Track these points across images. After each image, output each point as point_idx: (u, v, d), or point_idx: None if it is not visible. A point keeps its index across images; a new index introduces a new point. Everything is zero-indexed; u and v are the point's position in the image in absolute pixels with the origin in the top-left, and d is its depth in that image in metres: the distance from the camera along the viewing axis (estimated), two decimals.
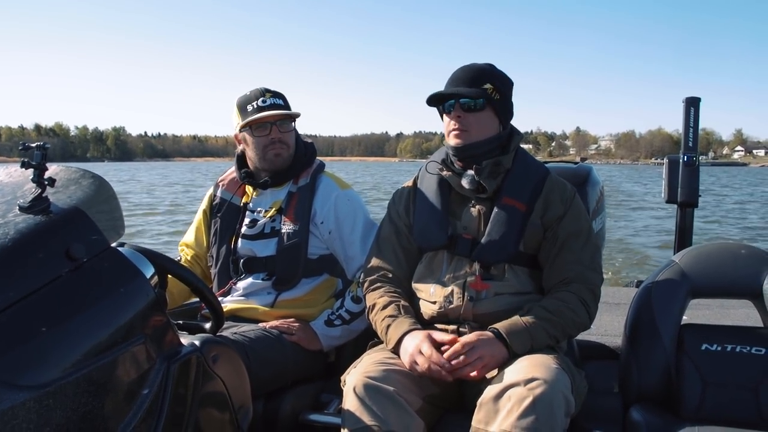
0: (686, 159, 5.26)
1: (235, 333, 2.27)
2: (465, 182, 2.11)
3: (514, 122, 2.21)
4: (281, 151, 2.46)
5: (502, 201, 2.09)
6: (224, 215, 2.58)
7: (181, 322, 1.85)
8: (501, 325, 1.92)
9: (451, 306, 2.04)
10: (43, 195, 1.34)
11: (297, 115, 2.50)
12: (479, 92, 2.07)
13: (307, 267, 2.48)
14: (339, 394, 1.97)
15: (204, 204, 2.70)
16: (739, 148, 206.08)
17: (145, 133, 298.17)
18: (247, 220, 2.54)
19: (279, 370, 2.28)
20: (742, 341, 2.13)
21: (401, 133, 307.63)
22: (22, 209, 1.32)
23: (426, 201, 2.20)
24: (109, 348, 1.28)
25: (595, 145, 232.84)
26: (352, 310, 2.43)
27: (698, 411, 2.08)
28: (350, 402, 1.79)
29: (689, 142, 5.30)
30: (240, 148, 2.58)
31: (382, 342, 2.09)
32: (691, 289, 2.25)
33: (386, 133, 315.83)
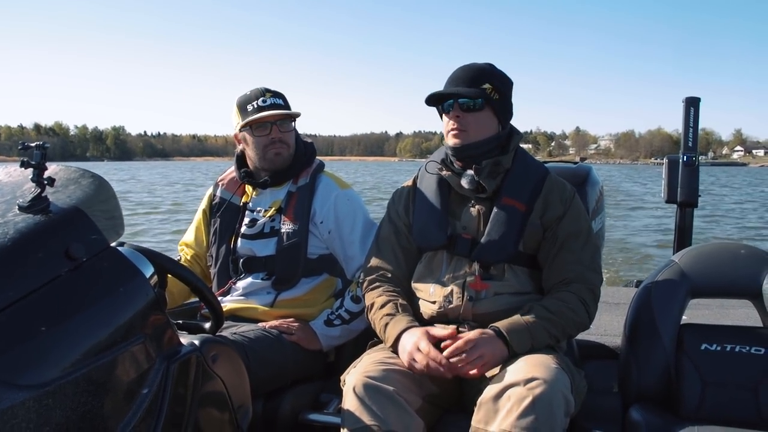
0: (686, 159, 5.27)
1: (235, 333, 2.27)
2: (464, 182, 2.11)
3: (513, 122, 2.21)
4: (281, 151, 2.46)
5: (502, 201, 2.09)
6: (224, 215, 2.58)
7: (180, 321, 1.85)
8: (502, 324, 1.91)
9: (451, 306, 2.04)
10: (43, 194, 1.34)
11: (297, 115, 2.50)
12: (478, 92, 2.07)
13: (307, 267, 2.47)
14: (339, 393, 1.97)
15: (204, 203, 2.70)
16: (738, 148, 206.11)
17: (145, 132, 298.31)
18: (246, 220, 2.54)
19: (278, 369, 2.28)
20: (742, 341, 2.13)
21: (401, 133, 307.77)
22: (21, 209, 1.32)
23: (425, 201, 2.20)
24: (108, 347, 1.28)
25: (595, 145, 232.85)
26: (352, 310, 2.42)
27: (698, 411, 2.08)
28: (350, 402, 1.79)
29: (689, 142, 5.30)
30: (240, 147, 2.58)
31: (381, 342, 2.09)
32: (691, 289, 2.25)
33: (386, 132, 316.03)
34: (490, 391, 1.75)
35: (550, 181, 2.15)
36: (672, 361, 2.16)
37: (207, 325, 1.85)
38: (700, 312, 3.83)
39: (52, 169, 1.46)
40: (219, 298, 2.27)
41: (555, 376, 1.73)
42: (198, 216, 2.71)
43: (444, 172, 2.16)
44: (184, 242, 2.72)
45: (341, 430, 1.80)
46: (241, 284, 2.48)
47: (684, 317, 2.25)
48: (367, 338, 2.23)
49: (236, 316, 2.45)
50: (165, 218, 18.79)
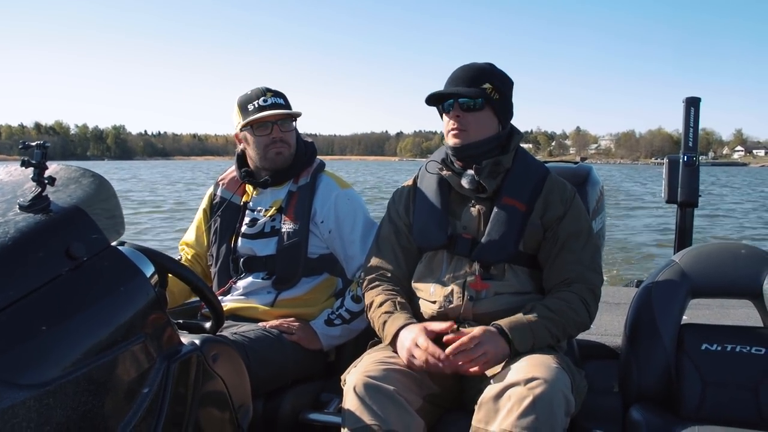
0: (686, 159, 5.27)
1: (235, 332, 2.27)
2: (465, 182, 2.11)
3: (514, 121, 2.21)
4: (282, 150, 2.46)
5: (502, 201, 2.09)
6: (224, 214, 2.58)
7: (181, 321, 1.85)
8: (504, 322, 1.91)
9: (451, 305, 2.04)
10: (43, 194, 1.34)
11: (298, 115, 2.50)
12: (478, 92, 2.07)
13: (307, 266, 2.48)
14: (339, 393, 1.97)
15: (204, 203, 2.70)
16: (739, 148, 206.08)
17: (145, 131, 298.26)
18: (247, 219, 2.54)
19: (279, 369, 2.28)
20: (742, 341, 2.13)
21: (401, 132, 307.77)
22: (22, 208, 1.32)
23: (426, 200, 2.19)
24: (109, 347, 1.28)
25: (595, 145, 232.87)
26: (352, 310, 2.43)
27: (698, 411, 2.08)
28: (350, 401, 1.79)
29: (689, 142, 5.30)
30: (240, 147, 2.58)
31: (382, 341, 2.09)
32: (691, 289, 2.25)
33: (386, 132, 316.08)
34: (490, 390, 1.75)
35: (551, 181, 2.15)
36: (672, 361, 2.16)
37: (207, 325, 1.85)
38: (700, 312, 3.83)
39: (53, 168, 1.46)
40: (219, 298, 2.27)
41: (555, 375, 1.73)
42: (198, 215, 2.71)
43: (444, 172, 2.16)
44: (185, 242, 2.72)
45: (342, 429, 1.80)
46: (242, 284, 2.48)
47: (684, 317, 2.25)
48: (368, 338, 2.23)
49: (237, 316, 2.45)
50: (167, 217, 18.83)
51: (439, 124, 2.20)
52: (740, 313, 3.86)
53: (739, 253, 2.28)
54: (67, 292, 1.26)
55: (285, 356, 2.30)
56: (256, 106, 2.43)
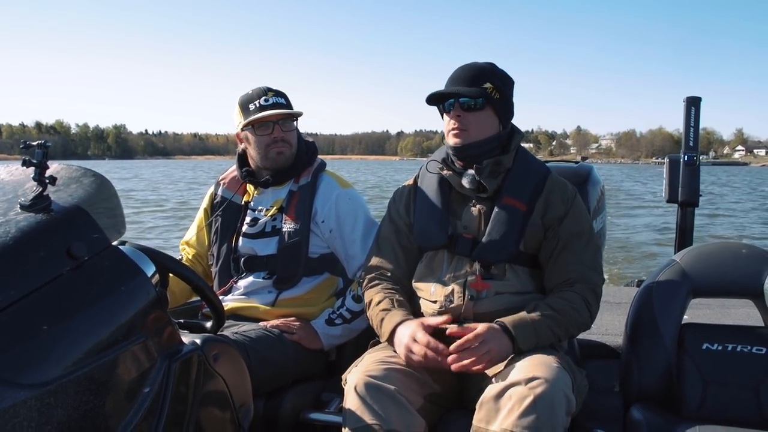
0: (687, 158, 5.27)
1: (236, 332, 2.27)
2: (465, 182, 2.10)
3: (514, 121, 2.20)
4: (283, 150, 2.46)
5: (503, 200, 2.09)
6: (225, 214, 2.58)
7: (182, 320, 1.85)
8: (508, 320, 1.91)
9: (452, 305, 2.03)
10: (44, 193, 1.34)
11: (299, 114, 2.50)
12: (479, 92, 2.06)
13: (308, 266, 2.47)
14: (340, 393, 1.97)
15: (205, 202, 2.70)
16: (739, 147, 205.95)
17: (146, 131, 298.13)
18: (248, 219, 2.54)
19: (280, 369, 2.28)
20: (743, 341, 2.13)
21: (402, 132, 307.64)
22: (23, 207, 1.32)
23: (426, 200, 2.19)
24: (110, 346, 1.28)
25: (596, 145, 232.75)
26: (353, 309, 2.43)
27: (699, 410, 2.08)
28: (351, 401, 1.79)
29: (690, 141, 5.30)
30: (241, 146, 2.58)
31: (386, 342, 2.08)
32: (692, 289, 2.25)
33: (387, 131, 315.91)
34: (491, 390, 1.75)
35: (552, 180, 2.15)
36: (673, 361, 2.16)
37: (208, 325, 1.85)
38: (701, 311, 3.83)
39: (54, 167, 1.46)
40: (220, 297, 2.27)
41: (556, 375, 1.73)
42: (199, 215, 2.72)
43: (445, 172, 2.16)
44: (186, 241, 2.72)
45: (343, 429, 1.81)
46: (243, 283, 2.48)
47: (685, 317, 2.25)
48: (369, 337, 2.23)
49: (237, 315, 2.45)
50: (170, 216, 18.86)
51: (440, 123, 2.20)
52: (741, 312, 3.87)
53: (740, 253, 2.28)
54: (68, 292, 1.26)
55: (286, 356, 2.30)
56: (258, 105, 2.43)
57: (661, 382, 2.16)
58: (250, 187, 2.60)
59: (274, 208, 2.51)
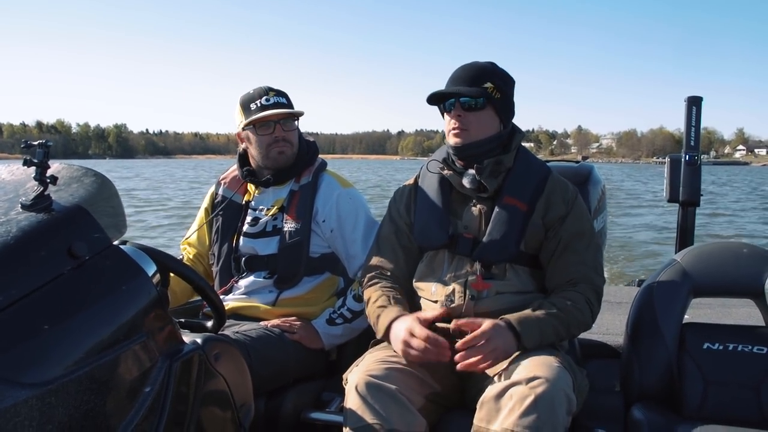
0: (688, 158, 5.27)
1: (237, 331, 2.27)
2: (466, 181, 2.10)
3: (515, 120, 2.20)
4: (285, 150, 2.46)
5: (504, 200, 2.09)
6: (226, 213, 2.58)
7: (182, 320, 1.85)
8: (513, 317, 1.90)
9: (453, 305, 2.03)
10: (46, 193, 1.34)
11: (300, 114, 2.50)
12: (479, 91, 2.06)
13: (309, 265, 2.47)
14: (341, 392, 1.97)
15: (206, 202, 2.70)
16: (740, 147, 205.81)
17: (147, 130, 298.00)
18: (248, 218, 2.54)
19: (280, 368, 2.28)
20: (744, 340, 2.13)
21: (403, 131, 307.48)
22: (24, 207, 1.32)
23: (427, 200, 2.19)
24: (111, 346, 1.28)
25: (597, 144, 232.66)
26: (354, 309, 2.43)
27: (700, 410, 2.08)
28: (352, 400, 1.79)
29: (691, 141, 5.30)
30: (242, 146, 2.58)
31: (384, 340, 2.09)
32: (693, 288, 2.25)
33: (388, 130, 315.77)
34: (492, 389, 1.75)
35: (553, 180, 2.15)
36: (674, 360, 2.16)
37: (209, 324, 1.85)
38: (702, 311, 3.84)
39: (55, 167, 1.46)
40: (221, 297, 2.27)
41: (557, 374, 1.73)
42: (200, 214, 2.72)
43: (445, 171, 2.16)
44: (187, 241, 2.72)
45: (344, 428, 1.81)
46: (243, 283, 2.48)
47: (686, 316, 2.25)
48: (370, 337, 2.23)
49: (238, 315, 2.46)
50: (172, 215, 18.88)
51: (441, 122, 2.20)
52: (742, 312, 3.87)
53: (741, 252, 2.28)
54: (69, 291, 1.26)
55: (287, 355, 2.31)
56: (259, 105, 2.43)
57: (661, 381, 2.16)
58: (250, 187, 2.60)
59: (275, 207, 2.51)
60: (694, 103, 5.31)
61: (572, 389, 1.78)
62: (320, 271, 2.53)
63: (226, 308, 2.23)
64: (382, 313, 2.04)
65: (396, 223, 2.24)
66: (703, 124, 5.36)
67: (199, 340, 1.57)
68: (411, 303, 2.13)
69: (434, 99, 2.14)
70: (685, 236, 5.44)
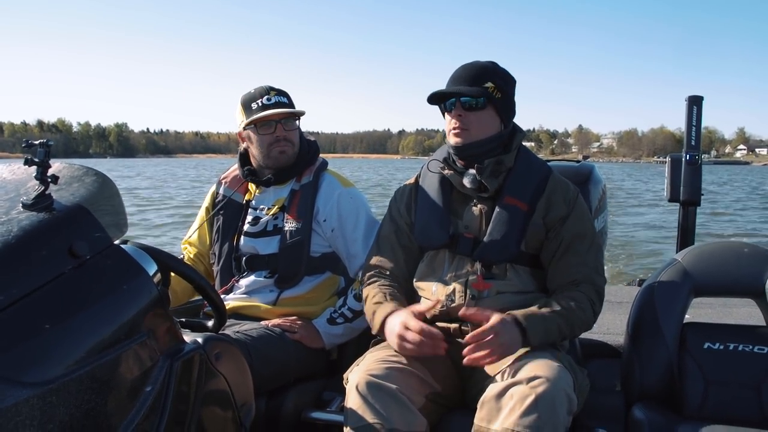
0: (689, 158, 5.27)
1: (238, 331, 2.27)
2: (466, 181, 2.10)
3: (516, 120, 2.20)
4: (286, 149, 2.46)
5: (504, 200, 2.08)
6: (227, 212, 2.58)
7: (183, 319, 1.85)
8: (519, 313, 1.89)
9: (453, 305, 2.03)
10: (47, 192, 1.34)
11: (301, 113, 2.50)
12: (480, 91, 2.06)
13: (310, 265, 2.47)
14: (341, 392, 1.97)
15: (207, 201, 2.70)
16: (741, 146, 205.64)
17: (148, 129, 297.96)
18: (249, 218, 2.54)
19: (281, 367, 2.28)
20: (745, 340, 2.13)
21: (403, 131, 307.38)
22: (25, 206, 1.32)
23: (427, 199, 2.19)
24: (112, 345, 1.28)
25: (598, 143, 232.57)
26: (355, 308, 2.42)
27: (700, 409, 2.08)
28: (353, 400, 1.79)
29: (692, 140, 5.30)
30: (243, 145, 2.58)
31: (384, 340, 2.09)
32: (694, 288, 2.25)
33: (388, 130, 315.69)
34: (492, 389, 1.75)
35: (553, 180, 2.14)
36: (675, 360, 2.16)
37: (210, 324, 1.85)
38: (703, 311, 3.83)
39: (56, 166, 1.46)
40: (222, 296, 2.27)
41: (558, 374, 1.73)
42: (201, 214, 2.72)
43: (446, 171, 2.16)
44: (187, 240, 2.72)
45: (344, 428, 1.80)
46: (244, 282, 2.48)
47: (687, 316, 2.25)
48: (370, 336, 2.23)
49: (239, 314, 2.46)
50: (175, 213, 18.88)
51: (442, 121, 2.20)
52: (743, 312, 3.86)
53: (742, 252, 2.28)
54: (70, 291, 1.26)
55: (287, 355, 2.31)
56: (260, 104, 2.43)
57: (662, 381, 2.16)
58: (251, 186, 2.60)
59: (276, 207, 2.51)
60: (695, 103, 5.31)
61: (573, 389, 1.78)
62: (321, 271, 2.53)
63: (227, 308, 2.23)
64: (377, 309, 2.04)
65: (396, 222, 2.24)
66: (703, 124, 5.36)
67: (199, 340, 1.57)
68: (411, 302, 2.13)
69: (435, 99, 2.14)
70: (685, 236, 5.44)
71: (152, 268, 1.51)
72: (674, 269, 2.28)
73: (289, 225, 2.45)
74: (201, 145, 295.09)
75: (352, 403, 1.79)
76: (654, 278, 2.30)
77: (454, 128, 2.10)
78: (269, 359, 2.21)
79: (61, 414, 1.15)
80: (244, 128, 2.49)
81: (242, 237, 2.52)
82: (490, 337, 1.79)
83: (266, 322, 2.40)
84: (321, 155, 2.64)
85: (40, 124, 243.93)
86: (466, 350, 1.79)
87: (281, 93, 2.48)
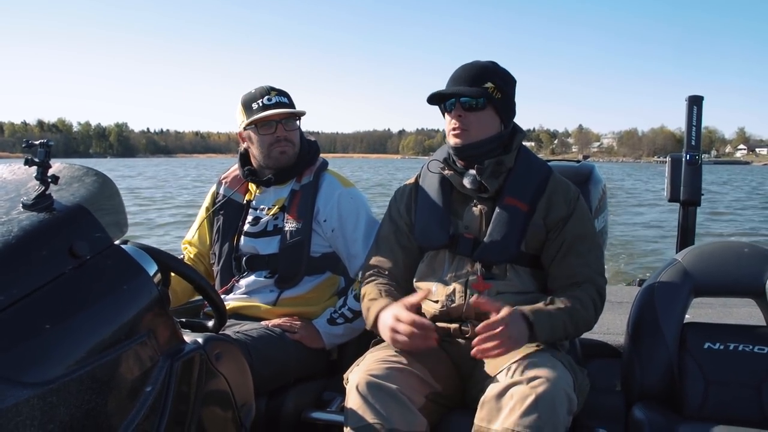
0: (689, 157, 5.27)
1: (238, 331, 2.27)
2: (466, 182, 2.10)
3: (516, 120, 2.20)
4: (286, 149, 2.46)
5: (504, 201, 2.08)
6: (227, 212, 2.58)
7: (183, 320, 1.85)
8: (526, 309, 1.88)
9: (453, 305, 2.03)
10: (47, 192, 1.34)
11: (302, 114, 2.50)
12: (480, 91, 2.06)
13: (310, 265, 2.47)
14: (342, 392, 1.97)
15: (207, 201, 2.70)
16: (741, 146, 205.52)
17: (148, 129, 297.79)
18: (249, 218, 2.54)
19: (281, 368, 2.28)
20: (745, 340, 2.13)
21: (403, 130, 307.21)
22: (25, 206, 1.32)
23: (427, 200, 2.19)
24: (112, 345, 1.28)
25: (598, 143, 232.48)
26: (355, 308, 2.42)
27: (701, 409, 2.08)
28: (353, 400, 1.79)
29: (692, 140, 5.30)
30: (244, 145, 2.58)
31: (375, 332, 2.08)
32: (694, 288, 2.24)
33: (388, 130, 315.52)
34: (493, 389, 1.75)
35: (554, 181, 2.14)
36: (675, 360, 2.16)
37: (210, 324, 1.85)
38: (703, 311, 3.84)
39: (56, 166, 1.46)
40: (222, 296, 2.27)
41: (558, 374, 1.73)
42: (201, 214, 2.71)
43: (446, 172, 2.16)
44: (188, 240, 2.72)
45: (344, 428, 1.80)
46: (244, 282, 2.48)
47: (687, 316, 2.24)
48: (370, 337, 2.23)
49: (239, 315, 2.45)
50: (177, 213, 18.88)
51: (442, 121, 2.20)
52: (743, 311, 3.86)
53: (742, 252, 2.28)
54: (70, 291, 1.26)
55: (288, 355, 2.30)
56: (260, 104, 2.43)
57: (662, 381, 2.16)
58: (252, 186, 2.60)
59: (276, 207, 2.51)
60: (695, 103, 5.31)
61: (573, 389, 1.78)
62: (321, 271, 2.53)
63: (227, 308, 2.23)
64: (372, 305, 2.04)
65: (396, 222, 2.24)
66: (704, 124, 5.36)
67: (200, 340, 1.57)
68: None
69: (435, 99, 2.13)
70: (686, 236, 5.43)
71: (152, 268, 1.51)
72: (674, 269, 2.28)
73: (290, 225, 2.45)
74: (201, 145, 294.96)
75: (352, 403, 1.79)
76: (654, 278, 2.30)
77: (454, 129, 2.09)
78: (269, 359, 2.21)
79: (61, 414, 1.15)
80: (245, 128, 2.49)
81: (242, 237, 2.52)
82: (501, 328, 1.76)
83: (266, 322, 2.40)
84: (321, 155, 2.64)
85: (41, 123, 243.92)
86: (475, 340, 1.77)
87: (282, 93, 2.48)
